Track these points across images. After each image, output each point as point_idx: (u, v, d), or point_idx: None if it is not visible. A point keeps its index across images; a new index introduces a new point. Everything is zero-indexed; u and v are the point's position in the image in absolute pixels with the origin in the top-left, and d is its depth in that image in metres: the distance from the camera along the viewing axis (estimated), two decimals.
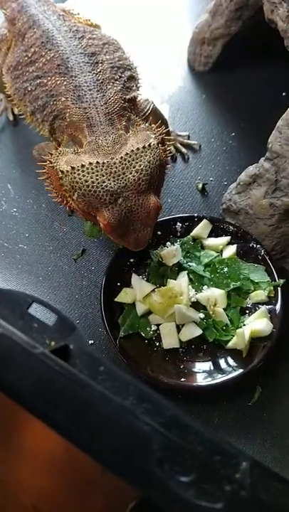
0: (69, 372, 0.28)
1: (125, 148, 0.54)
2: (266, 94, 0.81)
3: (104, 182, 0.51)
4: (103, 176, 0.52)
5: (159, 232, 0.67)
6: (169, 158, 0.59)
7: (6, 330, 0.28)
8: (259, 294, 0.61)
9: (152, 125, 0.58)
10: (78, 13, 0.72)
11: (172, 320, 0.60)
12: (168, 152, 0.58)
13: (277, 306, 0.60)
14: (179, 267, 0.64)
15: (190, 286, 0.62)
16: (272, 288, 0.61)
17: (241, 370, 0.57)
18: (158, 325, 0.61)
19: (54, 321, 0.33)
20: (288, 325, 0.61)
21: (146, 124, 0.58)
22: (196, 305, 0.61)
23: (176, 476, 0.24)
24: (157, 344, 0.60)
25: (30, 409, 0.27)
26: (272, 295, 0.61)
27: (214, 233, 0.66)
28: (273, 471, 0.28)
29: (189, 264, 0.64)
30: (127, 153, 0.53)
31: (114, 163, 0.52)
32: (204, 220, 0.66)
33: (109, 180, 0.51)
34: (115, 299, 0.62)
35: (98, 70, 0.60)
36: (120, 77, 0.61)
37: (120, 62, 0.63)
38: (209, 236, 0.66)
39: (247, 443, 0.57)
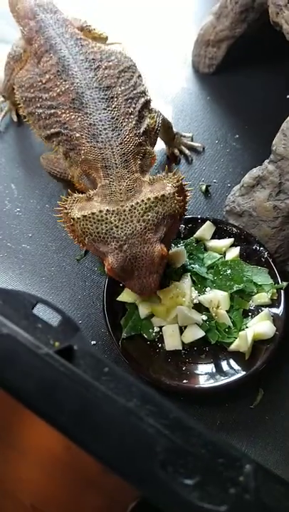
0: (73, 373, 0.28)
1: (138, 196, 0.54)
2: (270, 96, 0.81)
3: (112, 229, 0.53)
4: (111, 223, 0.53)
5: None
6: (184, 205, 0.58)
7: (11, 330, 0.28)
8: (262, 297, 0.61)
9: (169, 173, 0.57)
10: (94, 29, 0.72)
11: (175, 322, 0.60)
12: (185, 201, 0.58)
13: (280, 309, 0.60)
14: (183, 269, 0.63)
15: (193, 288, 0.62)
16: (275, 290, 0.61)
17: (244, 373, 0.57)
18: (161, 327, 0.61)
19: (58, 321, 0.33)
20: None
21: (164, 173, 0.57)
22: (199, 307, 0.61)
23: (180, 479, 0.24)
24: (159, 345, 0.60)
25: (34, 410, 0.27)
26: (275, 298, 0.61)
27: (217, 235, 0.66)
28: (276, 474, 0.28)
29: (192, 265, 0.64)
30: (137, 203, 0.54)
31: (124, 211, 0.53)
32: (207, 222, 0.66)
33: (116, 227, 0.53)
34: (117, 299, 0.62)
35: (113, 106, 0.60)
36: (134, 108, 0.61)
37: (134, 92, 0.63)
38: (212, 238, 0.66)
39: (249, 445, 0.57)
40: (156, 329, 0.61)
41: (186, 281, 0.62)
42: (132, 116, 0.60)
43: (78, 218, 0.54)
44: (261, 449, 0.56)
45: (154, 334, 0.60)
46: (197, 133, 0.79)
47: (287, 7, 0.61)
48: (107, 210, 0.53)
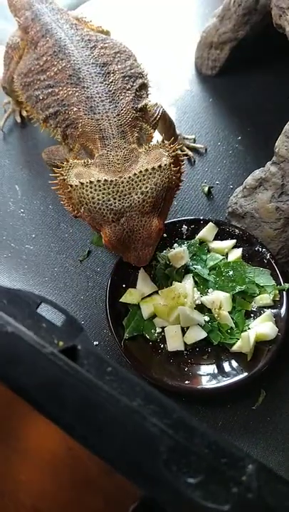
0: (77, 372, 0.28)
1: (135, 167, 0.54)
2: (273, 98, 0.82)
3: (109, 200, 0.52)
4: (109, 194, 0.53)
5: (164, 235, 0.67)
6: (180, 177, 0.58)
7: (16, 329, 0.29)
8: (264, 298, 0.61)
9: (166, 142, 0.57)
10: (90, 21, 0.73)
11: (177, 322, 0.60)
12: (181, 171, 0.58)
13: (283, 310, 0.60)
14: (185, 270, 0.64)
15: (195, 289, 0.62)
16: (277, 292, 0.61)
17: (246, 374, 0.57)
18: (163, 328, 0.61)
19: (62, 321, 0.34)
20: None
21: (160, 141, 0.57)
22: (202, 308, 0.61)
23: (184, 478, 0.25)
24: (162, 346, 0.60)
25: (38, 408, 0.27)
26: (278, 299, 0.61)
27: (220, 236, 0.67)
28: (279, 474, 0.28)
29: (195, 266, 0.64)
30: (135, 174, 0.53)
31: (122, 182, 0.53)
32: (210, 223, 0.66)
33: (114, 199, 0.52)
34: (120, 300, 0.62)
35: (110, 81, 0.60)
36: (132, 86, 0.62)
37: (132, 71, 0.63)
38: (215, 239, 0.67)
39: (250, 446, 0.57)
40: (158, 330, 0.61)
41: (188, 282, 0.62)
42: (129, 92, 0.61)
43: (76, 185, 0.53)
44: (263, 450, 0.56)
45: (156, 335, 0.61)
46: (200, 134, 0.80)
47: None
48: (105, 180, 0.53)
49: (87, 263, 0.70)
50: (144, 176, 0.53)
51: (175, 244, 0.66)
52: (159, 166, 0.53)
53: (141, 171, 0.53)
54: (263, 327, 0.59)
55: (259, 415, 0.58)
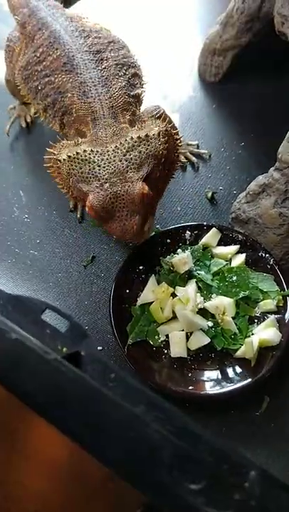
0: (80, 379, 0.28)
1: (122, 138, 0.55)
2: (275, 104, 0.82)
3: (94, 168, 0.54)
4: (94, 162, 0.54)
5: (168, 240, 0.67)
6: (174, 155, 0.60)
7: (21, 335, 0.29)
8: (268, 304, 0.61)
9: (157, 120, 0.59)
10: (87, 17, 0.74)
11: (180, 328, 0.60)
12: (177, 149, 0.59)
13: (286, 316, 0.60)
14: (189, 275, 0.64)
15: (199, 294, 0.62)
16: (281, 297, 0.61)
17: (249, 380, 0.57)
18: (167, 335, 0.61)
19: (66, 327, 0.34)
20: None
21: (152, 120, 0.59)
22: (205, 313, 0.61)
23: (186, 484, 0.25)
24: (165, 352, 0.61)
25: (41, 413, 0.27)
26: (281, 304, 0.61)
27: (223, 242, 0.67)
28: (281, 481, 0.28)
29: (198, 272, 0.64)
30: (121, 143, 0.54)
31: (108, 151, 0.54)
32: (213, 229, 0.67)
33: (99, 166, 0.54)
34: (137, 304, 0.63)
35: (103, 67, 0.62)
36: (124, 73, 0.64)
37: (124, 60, 0.65)
38: (218, 245, 0.67)
39: (254, 452, 0.56)
40: (162, 338, 0.61)
41: (191, 287, 0.62)
42: (121, 78, 0.62)
43: (64, 159, 0.55)
44: (267, 456, 0.56)
45: (159, 341, 0.61)
46: (203, 140, 0.80)
47: None
48: (91, 150, 0.54)
49: (91, 268, 0.71)
50: (129, 144, 0.54)
51: (179, 250, 0.66)
52: (146, 135, 0.55)
53: (126, 140, 0.54)
54: (266, 333, 0.59)
55: (263, 421, 0.58)
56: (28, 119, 0.84)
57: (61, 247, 0.73)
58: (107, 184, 0.53)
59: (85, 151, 0.54)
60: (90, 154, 0.54)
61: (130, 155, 0.53)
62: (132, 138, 0.54)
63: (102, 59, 0.63)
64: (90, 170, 0.54)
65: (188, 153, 0.78)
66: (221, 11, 0.81)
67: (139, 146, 0.54)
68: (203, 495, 0.25)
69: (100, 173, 0.53)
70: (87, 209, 0.55)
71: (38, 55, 0.66)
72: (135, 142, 0.54)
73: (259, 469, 0.27)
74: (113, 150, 0.54)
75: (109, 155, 0.54)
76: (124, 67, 0.64)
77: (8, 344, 0.28)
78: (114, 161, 0.54)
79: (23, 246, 0.73)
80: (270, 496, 0.26)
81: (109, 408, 0.27)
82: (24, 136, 0.84)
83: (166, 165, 0.59)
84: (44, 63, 0.65)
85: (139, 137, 0.54)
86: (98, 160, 0.54)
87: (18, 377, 0.27)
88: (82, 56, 0.63)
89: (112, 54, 0.65)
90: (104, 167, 0.53)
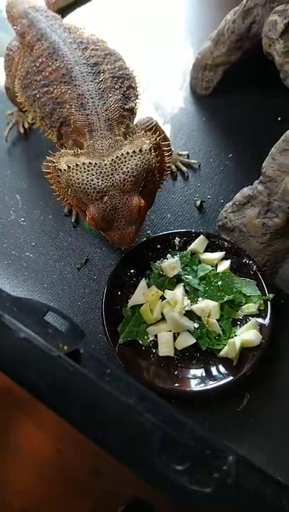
0: (81, 373, 0.32)
1: (118, 152, 0.59)
2: (263, 118, 0.86)
3: (92, 180, 0.57)
4: (93, 175, 0.57)
5: (158, 246, 0.71)
6: (164, 166, 0.64)
7: (28, 334, 0.32)
8: (250, 307, 0.65)
9: (148, 132, 0.63)
10: (83, 28, 0.77)
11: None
12: (166, 160, 0.63)
13: (267, 319, 0.64)
14: (177, 279, 0.68)
15: (186, 297, 0.66)
16: (262, 301, 0.65)
17: (231, 378, 0.61)
18: (156, 335, 0.65)
19: (66, 327, 0.37)
20: (276, 336, 0.66)
21: (143, 132, 0.63)
22: (192, 315, 0.65)
23: (173, 465, 0.29)
24: (154, 351, 0.64)
25: (46, 403, 0.31)
26: (263, 308, 0.65)
27: (210, 248, 0.71)
28: (256, 465, 0.32)
29: (186, 276, 0.68)
30: (117, 156, 0.58)
31: (105, 165, 0.57)
32: (201, 236, 0.70)
33: (98, 179, 0.57)
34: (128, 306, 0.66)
35: (100, 79, 0.65)
36: (120, 86, 0.67)
37: (120, 72, 0.68)
38: (205, 251, 0.71)
39: (235, 446, 0.58)
40: (151, 338, 0.65)
41: (179, 291, 0.66)
42: (117, 91, 0.66)
43: (64, 169, 0.58)
44: (246, 450, 0.60)
45: (148, 341, 0.65)
46: (193, 151, 0.84)
47: (278, 40, 0.67)
48: (90, 163, 0.57)
49: (84, 271, 0.74)
50: (125, 158, 0.58)
51: (168, 255, 0.70)
52: (140, 150, 0.58)
53: (122, 154, 0.58)
54: (248, 334, 0.63)
55: (243, 417, 0.62)
56: (26, 125, 0.86)
57: (56, 249, 0.76)
58: (106, 197, 0.57)
59: (84, 163, 0.57)
60: (88, 167, 0.57)
61: (127, 168, 0.57)
62: (128, 152, 0.58)
63: (99, 71, 0.66)
64: (88, 181, 0.57)
65: (178, 163, 0.82)
66: (212, 26, 0.85)
67: (135, 159, 0.57)
68: (187, 474, 0.28)
69: (99, 186, 0.57)
70: (87, 219, 0.59)
71: (38, 65, 0.69)
72: (131, 156, 0.57)
73: (237, 454, 0.31)
74: (110, 164, 0.57)
75: (107, 168, 0.57)
76: (120, 80, 0.68)
77: (17, 342, 0.32)
78: (112, 174, 0.57)
79: (19, 248, 0.76)
80: (245, 476, 0.30)
81: (105, 399, 0.31)
82: (22, 142, 0.87)
83: (157, 176, 0.62)
84: (43, 73, 0.68)
85: (134, 152, 0.58)
86: (97, 173, 0.57)
87: (26, 371, 0.31)
88: (81, 68, 0.66)
89: (109, 66, 0.68)
90: (102, 180, 0.57)
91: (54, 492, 0.39)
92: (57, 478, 0.39)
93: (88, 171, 0.57)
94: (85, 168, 0.57)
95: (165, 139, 0.77)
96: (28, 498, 0.40)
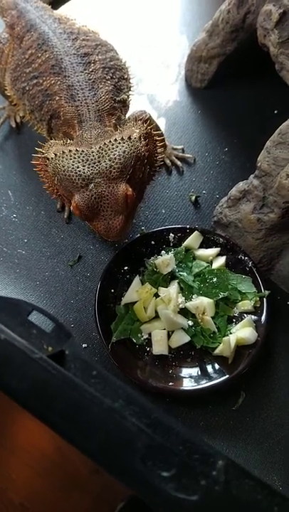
0: (64, 376, 0.31)
1: (106, 140, 0.57)
2: (259, 111, 0.84)
3: (78, 168, 0.55)
4: (79, 162, 0.55)
5: (152, 242, 0.70)
6: (155, 156, 0.63)
7: (9, 336, 0.31)
8: (246, 304, 0.64)
9: (138, 122, 0.61)
10: (74, 19, 0.75)
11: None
12: (158, 150, 0.62)
13: (263, 316, 0.63)
14: (171, 276, 0.67)
15: (180, 294, 0.65)
16: (258, 298, 0.64)
17: (226, 376, 0.60)
18: (149, 334, 0.64)
19: (51, 327, 0.36)
20: (272, 334, 0.65)
21: (133, 122, 0.61)
22: (186, 313, 0.64)
23: (158, 471, 0.27)
24: (148, 349, 0.63)
25: (27, 408, 0.30)
26: (258, 305, 0.64)
27: (205, 244, 0.70)
28: (246, 469, 0.31)
29: (180, 273, 0.67)
30: (105, 144, 0.56)
31: (92, 152, 0.56)
32: (196, 232, 0.69)
33: (84, 166, 0.55)
34: (122, 304, 0.65)
35: (90, 70, 0.64)
36: (112, 77, 0.65)
37: (112, 63, 0.67)
38: (200, 247, 0.69)
39: (230, 445, 0.60)
40: (145, 336, 0.64)
41: (173, 288, 0.65)
42: (108, 82, 0.64)
43: (52, 158, 0.57)
44: (242, 449, 0.59)
45: (142, 339, 0.63)
46: (188, 145, 0.82)
47: (273, 31, 0.65)
48: (76, 150, 0.56)
49: (77, 268, 0.73)
50: (112, 145, 0.56)
51: (162, 252, 0.69)
52: (129, 138, 0.57)
53: (110, 141, 0.56)
54: (243, 332, 0.62)
55: (239, 416, 0.61)
56: (18, 120, 0.85)
57: (48, 246, 0.74)
58: (92, 184, 0.55)
59: (70, 150, 0.56)
60: (75, 154, 0.56)
61: (114, 155, 0.55)
62: (116, 139, 0.56)
63: (89, 62, 0.65)
64: (74, 168, 0.55)
65: (173, 157, 0.80)
66: (207, 18, 0.83)
67: (122, 146, 0.56)
68: (173, 481, 0.27)
69: (84, 173, 0.55)
70: (72, 208, 0.57)
71: (27, 56, 0.67)
72: (119, 143, 0.56)
73: (226, 459, 0.30)
74: (97, 151, 0.56)
75: (94, 156, 0.55)
76: (112, 71, 0.66)
77: None
78: (98, 161, 0.55)
79: (11, 245, 0.75)
80: (234, 482, 0.29)
81: (90, 403, 0.30)
82: (14, 136, 0.85)
83: (147, 166, 0.61)
84: (33, 65, 0.66)
85: (122, 138, 0.56)
86: (83, 160, 0.55)
87: (5, 374, 0.29)
88: (70, 59, 0.64)
89: (100, 57, 0.66)
90: (88, 167, 0.55)
91: (54, 489, 0.39)
92: (57, 475, 0.38)
93: (74, 158, 0.56)
94: (71, 156, 0.56)
95: (157, 129, 0.76)
96: (28, 494, 0.39)
